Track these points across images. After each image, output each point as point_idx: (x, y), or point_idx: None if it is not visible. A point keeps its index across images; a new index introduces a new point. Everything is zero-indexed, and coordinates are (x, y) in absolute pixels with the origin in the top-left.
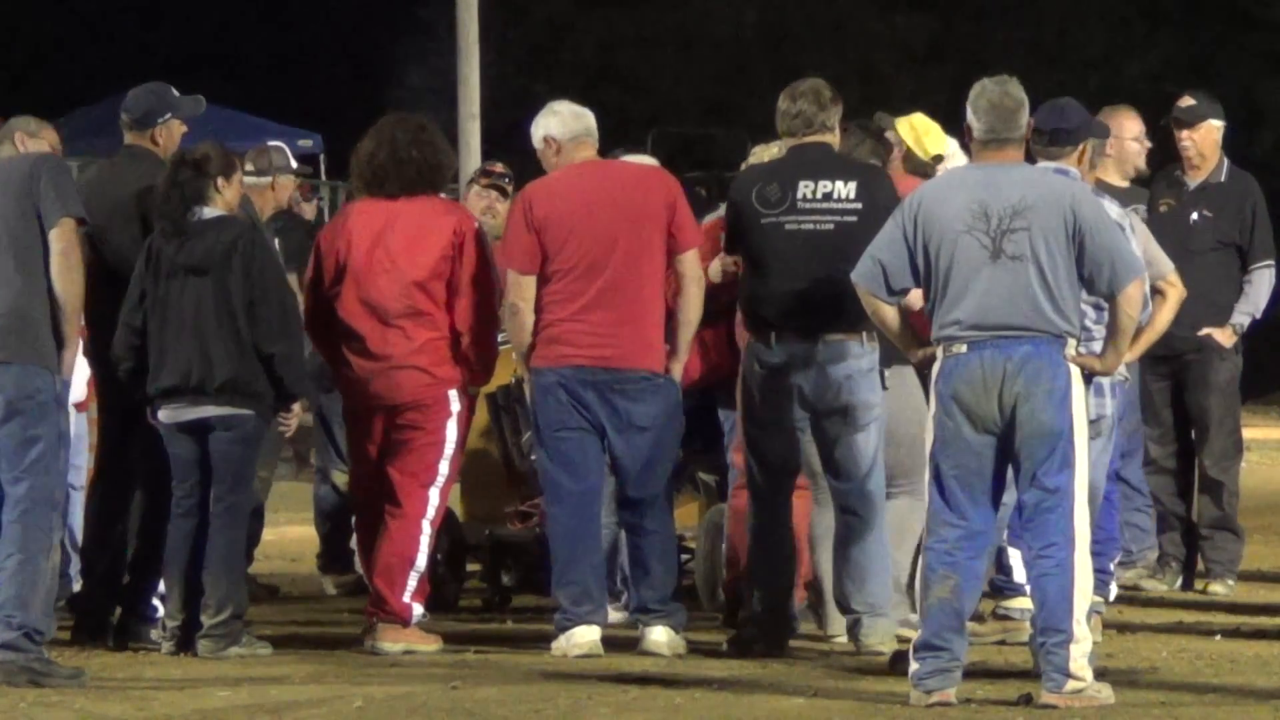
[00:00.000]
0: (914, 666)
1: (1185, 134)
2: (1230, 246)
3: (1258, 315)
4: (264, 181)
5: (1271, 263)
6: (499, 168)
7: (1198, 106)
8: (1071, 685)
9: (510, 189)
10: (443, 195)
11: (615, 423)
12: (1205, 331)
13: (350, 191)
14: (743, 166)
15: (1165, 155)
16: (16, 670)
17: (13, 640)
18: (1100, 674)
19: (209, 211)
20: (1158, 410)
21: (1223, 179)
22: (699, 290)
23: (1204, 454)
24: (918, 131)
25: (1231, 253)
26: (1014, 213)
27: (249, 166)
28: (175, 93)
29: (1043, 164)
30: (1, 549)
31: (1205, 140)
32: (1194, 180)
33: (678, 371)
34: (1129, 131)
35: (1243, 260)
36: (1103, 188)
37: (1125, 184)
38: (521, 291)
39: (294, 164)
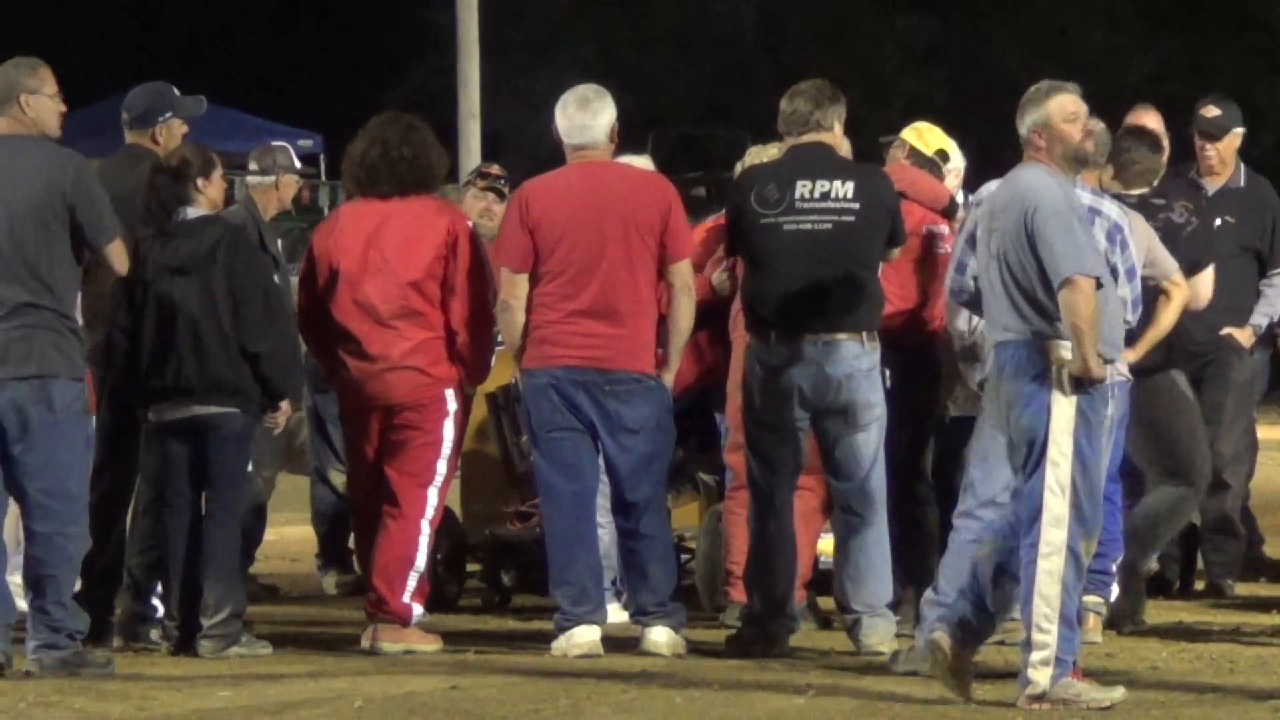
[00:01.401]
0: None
1: (1210, 145)
2: (1250, 252)
3: (1275, 318)
4: (268, 181)
5: None
6: (495, 170)
7: (1222, 118)
8: (1029, 690)
9: (507, 190)
10: (436, 195)
11: (606, 425)
12: (1226, 331)
13: (349, 191)
14: (738, 167)
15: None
16: (57, 665)
17: (57, 641)
18: (1100, 674)
19: (193, 212)
20: None
21: (1242, 184)
22: (690, 300)
23: (1215, 454)
24: (919, 130)
25: (1251, 258)
26: (996, 213)
27: (253, 166)
28: (176, 92)
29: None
30: (44, 556)
31: (1228, 149)
32: (1213, 185)
33: (669, 380)
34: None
35: (1261, 266)
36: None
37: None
38: (513, 289)
39: (298, 164)
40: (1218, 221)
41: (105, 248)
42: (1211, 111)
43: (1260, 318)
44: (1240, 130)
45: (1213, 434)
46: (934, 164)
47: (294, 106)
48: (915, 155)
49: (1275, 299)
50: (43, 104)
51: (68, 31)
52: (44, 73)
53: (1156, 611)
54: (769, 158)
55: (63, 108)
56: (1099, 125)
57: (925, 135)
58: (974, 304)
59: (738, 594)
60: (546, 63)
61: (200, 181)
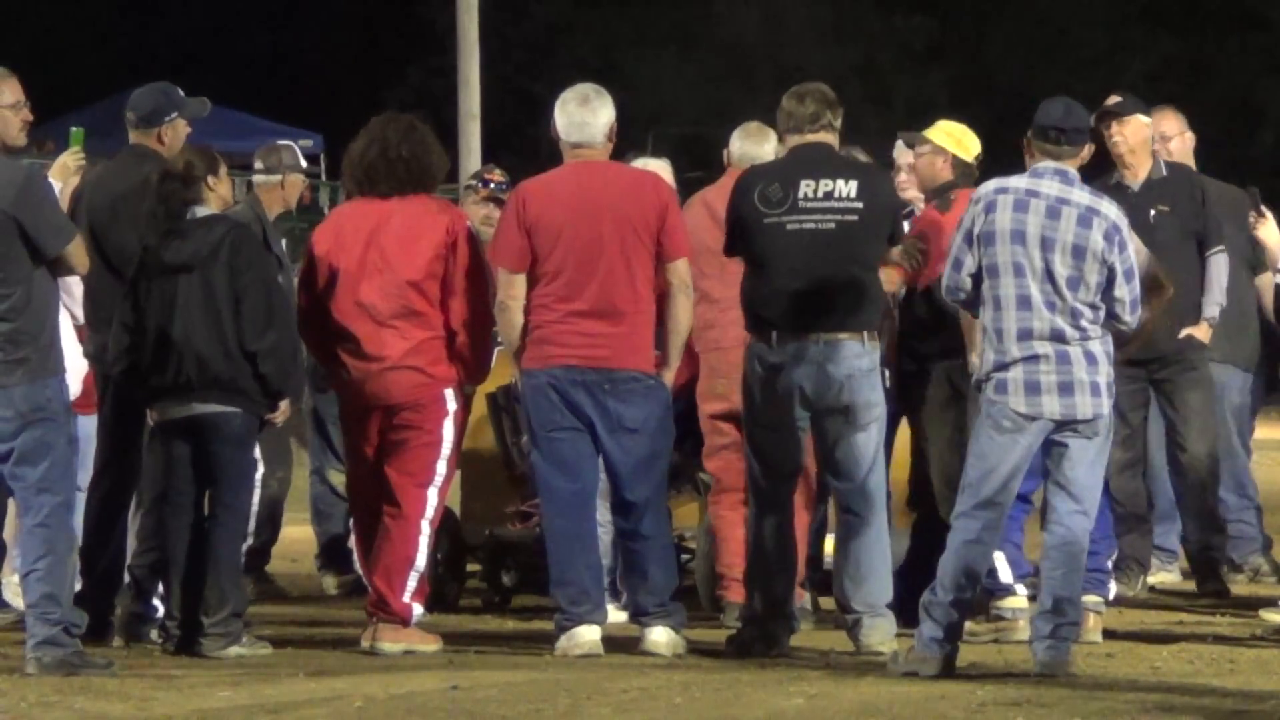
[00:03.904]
0: None
1: (1115, 127)
2: (1191, 237)
3: (1224, 303)
4: (273, 180)
5: (1223, 247)
6: (497, 175)
7: (1126, 102)
8: None
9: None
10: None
11: (606, 424)
12: (1186, 333)
13: (348, 191)
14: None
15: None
16: (56, 664)
17: (54, 636)
18: (1100, 674)
19: (202, 210)
20: (1125, 412)
21: (1165, 173)
22: (688, 299)
23: (1187, 456)
24: (955, 137)
25: (1192, 244)
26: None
27: (258, 165)
28: (181, 93)
29: (1045, 163)
30: (30, 552)
31: (1135, 136)
32: (1135, 181)
33: (669, 379)
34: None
35: (1200, 250)
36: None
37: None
38: (511, 290)
39: (304, 163)
40: (1152, 213)
41: (61, 251)
42: (1114, 98)
43: (1211, 309)
44: (1147, 120)
45: (1184, 436)
46: (971, 172)
47: (294, 106)
48: (958, 164)
49: (1216, 285)
50: (1, 115)
51: (68, 31)
52: (11, 82)
53: (1156, 611)
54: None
55: (28, 117)
56: None
57: (964, 140)
58: (970, 304)
59: (733, 595)
60: (546, 63)
61: (211, 180)
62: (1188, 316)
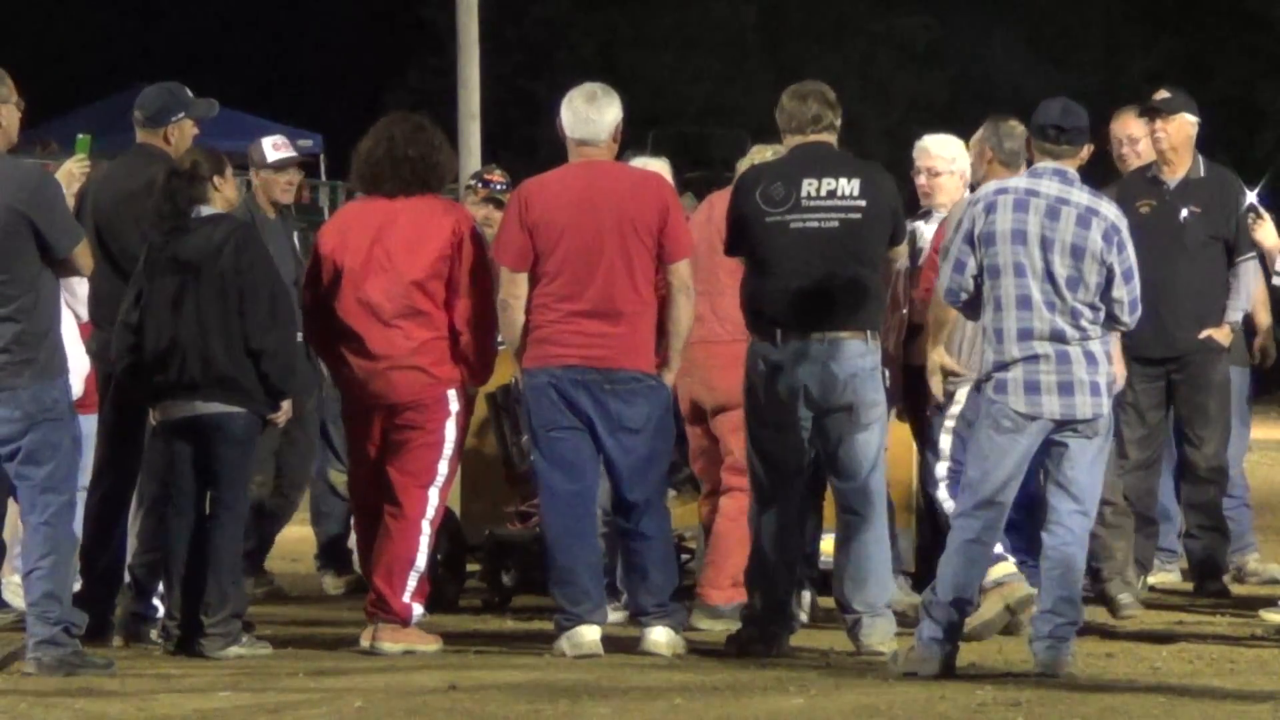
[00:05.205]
0: None
1: (1159, 124)
2: (1219, 240)
3: (1249, 309)
4: (248, 177)
5: (1254, 254)
6: (497, 175)
7: (1174, 99)
8: None
9: (507, 199)
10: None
11: (607, 424)
12: (1206, 334)
13: (350, 190)
14: (739, 166)
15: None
16: (56, 664)
17: (53, 635)
18: (1100, 675)
19: (206, 210)
20: (1144, 411)
21: (1203, 174)
22: (689, 300)
23: (1198, 455)
24: None
25: (1220, 247)
26: None
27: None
28: (189, 93)
29: (1044, 163)
30: (33, 551)
31: (1178, 134)
32: (1173, 178)
33: (669, 379)
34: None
35: (1229, 254)
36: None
37: None
38: (513, 289)
39: (271, 157)
40: (1184, 213)
41: (70, 253)
42: (1162, 94)
43: (1235, 314)
44: (1193, 119)
45: (1195, 437)
46: None
47: (294, 106)
48: None
49: (1243, 290)
50: (12, 113)
51: (68, 31)
52: (9, 81)
53: (1155, 611)
54: (763, 159)
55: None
56: (1019, 126)
57: None
58: (971, 305)
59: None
60: (546, 63)
61: (217, 180)
62: (1209, 318)
